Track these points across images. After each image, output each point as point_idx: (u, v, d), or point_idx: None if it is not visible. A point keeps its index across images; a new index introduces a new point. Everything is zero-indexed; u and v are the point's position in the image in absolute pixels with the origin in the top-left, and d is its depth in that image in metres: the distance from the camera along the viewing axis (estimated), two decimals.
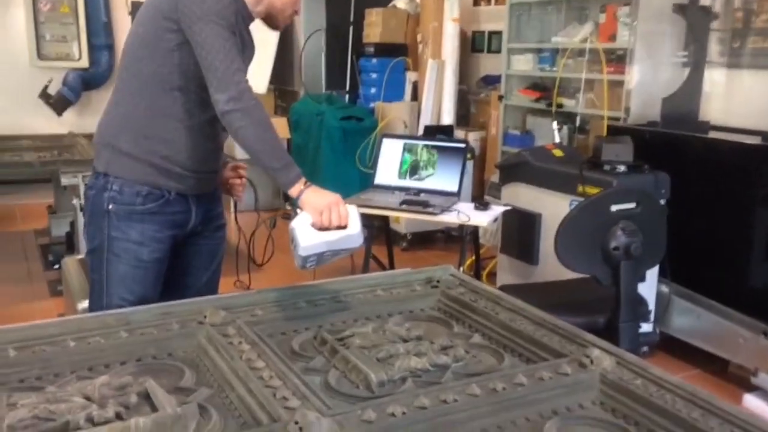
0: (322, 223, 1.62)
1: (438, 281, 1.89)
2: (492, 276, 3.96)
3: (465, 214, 2.74)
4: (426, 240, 5.05)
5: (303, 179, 1.67)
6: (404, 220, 4.68)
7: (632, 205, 1.99)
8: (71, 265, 2.86)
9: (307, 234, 1.61)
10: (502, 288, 2.26)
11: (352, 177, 4.89)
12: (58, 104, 5.64)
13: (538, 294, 2.27)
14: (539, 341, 1.54)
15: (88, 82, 5.90)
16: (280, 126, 5.41)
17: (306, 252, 1.59)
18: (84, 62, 5.92)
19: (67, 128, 4.92)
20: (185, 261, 1.92)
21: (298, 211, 1.67)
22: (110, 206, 1.72)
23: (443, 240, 5.16)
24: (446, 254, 4.82)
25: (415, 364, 1.43)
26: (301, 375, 1.36)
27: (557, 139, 3.67)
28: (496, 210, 2.89)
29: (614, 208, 1.96)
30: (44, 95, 5.65)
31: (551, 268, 3.20)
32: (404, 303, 1.81)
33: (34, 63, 5.78)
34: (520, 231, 3.26)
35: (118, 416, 1.23)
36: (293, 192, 1.65)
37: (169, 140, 1.75)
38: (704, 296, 2.82)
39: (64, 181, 3.36)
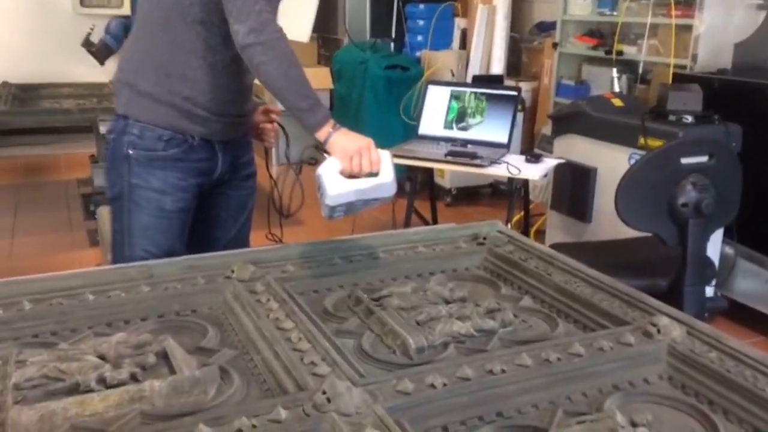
0: (351, 169, 1.48)
1: (485, 238, 1.74)
2: (540, 234, 3.77)
3: (515, 166, 2.55)
4: (471, 195, 4.87)
5: (331, 121, 1.53)
6: (449, 174, 4.51)
7: (704, 158, 1.78)
8: (106, 214, 2.79)
9: (334, 181, 1.47)
10: (553, 246, 2.10)
11: (395, 128, 4.71)
12: (101, 53, 5.55)
13: (592, 254, 2.09)
14: (598, 306, 1.38)
15: (129, 29, 5.80)
16: (323, 76, 5.25)
17: (333, 201, 1.46)
18: (126, 9, 5.81)
19: (108, 76, 4.84)
20: (212, 212, 1.81)
21: (326, 156, 1.53)
22: (130, 151, 1.61)
23: (489, 195, 4.97)
24: (492, 210, 4.63)
25: (458, 328, 1.30)
26: (333, 338, 1.24)
27: (617, 88, 3.41)
28: (549, 163, 2.70)
29: (684, 160, 1.76)
30: (87, 43, 5.57)
31: (605, 226, 3.01)
32: (448, 261, 1.66)
33: (77, 10, 5.71)
34: (572, 186, 3.05)
35: (133, 377, 1.14)
36: (320, 135, 1.51)
37: (192, 79, 1.62)
38: None
39: (103, 129, 3.30)
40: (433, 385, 1.07)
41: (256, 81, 1.75)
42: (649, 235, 1.92)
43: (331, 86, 5.30)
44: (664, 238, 1.79)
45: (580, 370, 1.15)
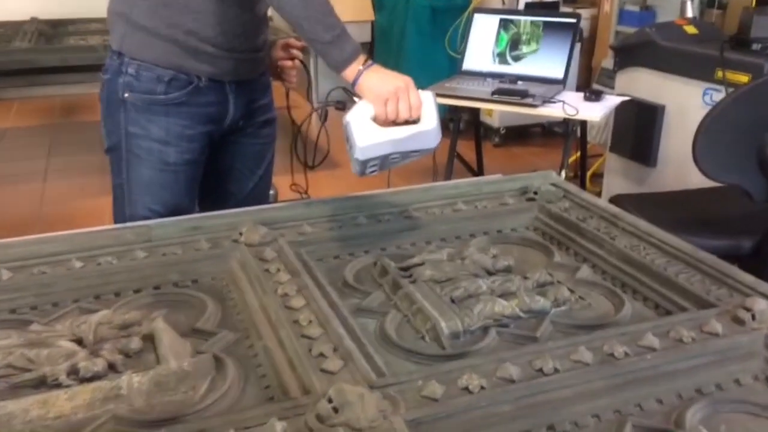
0: (386, 115, 1.23)
1: (535, 192, 1.49)
2: (597, 178, 3.47)
3: (572, 106, 2.26)
4: (522, 135, 4.55)
5: (362, 56, 1.29)
6: (497, 113, 4.19)
7: None
8: None
9: (366, 131, 1.23)
10: (614, 198, 1.84)
11: (441, 63, 4.38)
12: None
13: (661, 207, 1.82)
14: (673, 281, 1.13)
15: None
16: (363, 6, 4.92)
17: (365, 155, 1.22)
18: None
19: None
20: (226, 164, 1.60)
21: (356, 100, 1.29)
22: (126, 94, 1.40)
23: (542, 135, 4.64)
24: (545, 151, 4.32)
25: (502, 309, 1.08)
26: (351, 319, 1.04)
27: (689, 13, 3.02)
28: (611, 101, 2.39)
29: None
30: None
31: (672, 172, 2.70)
32: (491, 220, 1.43)
33: None
34: (636, 126, 2.74)
35: (112, 368, 0.97)
36: (348, 74, 1.27)
37: (195, 9, 1.38)
38: None
39: None
40: (467, 389, 0.86)
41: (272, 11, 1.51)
42: (728, 185, 1.64)
43: (372, 18, 4.97)
44: (751, 192, 1.51)
45: (654, 369, 0.92)
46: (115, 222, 1.48)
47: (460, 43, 4.57)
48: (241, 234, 1.29)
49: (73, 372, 0.94)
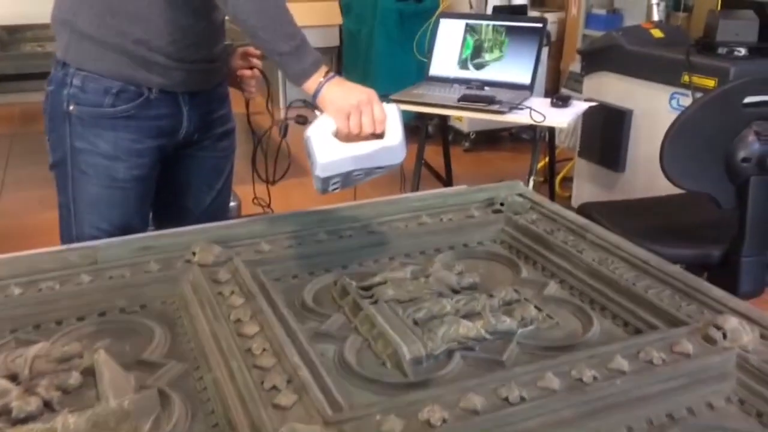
0: (349, 130, 1.18)
1: (502, 204, 1.45)
2: (566, 182, 3.46)
3: (539, 112, 2.23)
4: (492, 139, 4.54)
5: (323, 68, 1.23)
6: (467, 117, 4.16)
7: None
8: None
9: (327, 146, 1.17)
10: (584, 207, 1.81)
11: (409, 68, 4.34)
12: None
13: (630, 215, 1.80)
14: (643, 297, 1.10)
15: None
16: (331, 10, 4.87)
17: (326, 172, 1.17)
18: None
19: None
20: (181, 179, 1.53)
21: (317, 113, 1.23)
22: (71, 107, 1.33)
23: (511, 140, 4.63)
24: (516, 156, 4.31)
25: (466, 331, 1.03)
26: (308, 345, 0.98)
27: (656, 17, 3.02)
28: (578, 107, 2.36)
29: (747, 104, 1.44)
30: None
31: (642, 176, 2.69)
32: (457, 234, 1.39)
33: None
34: (604, 131, 2.72)
35: (48, 406, 0.89)
36: (308, 87, 1.21)
37: (144, 17, 1.32)
38: None
39: None
40: (429, 423, 0.81)
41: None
42: (695, 193, 1.62)
43: (340, 22, 4.92)
44: (719, 200, 1.49)
45: (624, 394, 0.88)
46: (62, 243, 1.41)
47: (428, 48, 4.55)
48: (194, 254, 1.22)
49: (4, 413, 0.87)
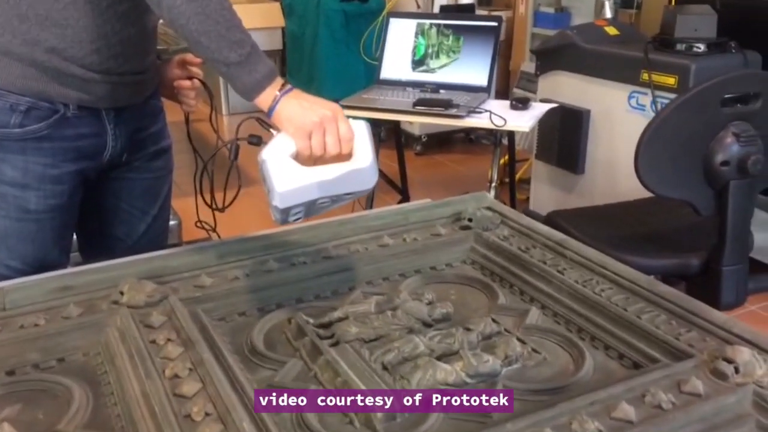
0: (311, 151, 1.02)
1: (470, 219, 1.32)
2: (523, 184, 3.37)
3: (499, 116, 2.11)
4: (444, 142, 4.43)
5: (278, 79, 1.06)
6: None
7: (750, 101, 1.37)
8: None
9: (286, 172, 1.00)
10: (551, 216, 1.70)
11: (356, 71, 4.20)
12: None
13: (600, 223, 1.70)
14: (636, 324, 0.98)
15: None
16: (272, 12, 4.68)
17: (286, 202, 1.00)
18: None
19: None
20: (109, 205, 1.35)
21: (273, 132, 1.07)
22: None
23: (463, 141, 4.54)
24: (468, 159, 4.22)
25: (444, 376, 0.89)
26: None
27: (608, 14, 2.96)
28: (538, 109, 2.26)
29: (725, 104, 1.35)
30: None
31: (601, 178, 2.61)
32: (423, 256, 1.25)
33: None
34: (561, 132, 2.64)
35: None
36: (262, 101, 1.04)
37: (59, 22, 1.13)
38: None
39: None
40: None
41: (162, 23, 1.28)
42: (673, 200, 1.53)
43: (282, 24, 4.74)
44: (698, 207, 1.40)
45: None
46: None
47: (375, 49, 4.42)
48: (121, 293, 1.05)
49: None
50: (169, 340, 0.95)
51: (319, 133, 0.99)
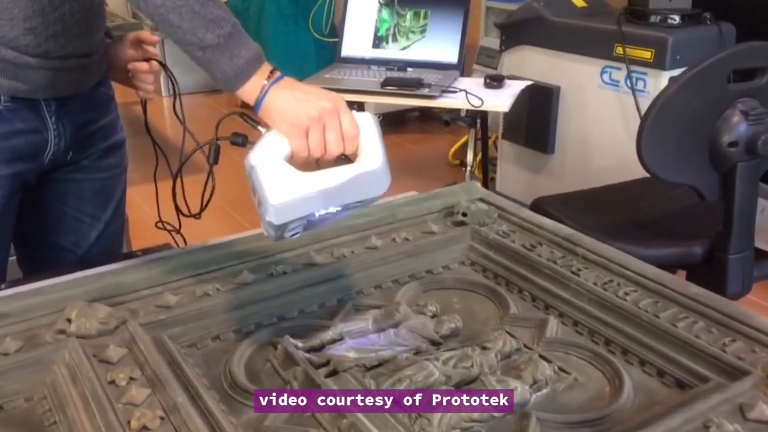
0: (309, 152, 0.84)
1: (465, 214, 1.18)
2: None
3: (475, 95, 1.97)
4: (399, 121, 4.28)
5: (266, 66, 0.86)
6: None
7: (757, 76, 1.27)
8: None
9: (281, 180, 0.82)
10: (538, 203, 1.58)
11: (306, 49, 4.01)
12: None
13: (591, 210, 1.59)
14: (674, 334, 0.87)
15: None
16: None
17: (282, 217, 0.82)
18: None
19: None
20: (53, 210, 1.15)
21: (262, 130, 0.88)
22: None
23: (418, 120, 4.40)
24: (425, 138, 4.09)
25: (469, 413, 0.75)
26: None
27: None
28: (515, 86, 2.12)
29: (732, 80, 1.25)
30: None
31: (572, 158, 2.52)
32: (417, 258, 1.11)
33: None
34: (530, 110, 2.53)
35: None
36: (247, 93, 0.84)
37: None
38: None
39: None
40: None
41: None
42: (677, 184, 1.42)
43: None
44: (703, 191, 1.30)
45: None
46: None
47: (325, 25, 4.22)
48: (69, 320, 0.88)
49: None
50: (131, 379, 0.78)
51: (318, 130, 0.82)
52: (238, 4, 4.39)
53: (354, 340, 0.88)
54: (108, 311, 0.89)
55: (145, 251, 1.15)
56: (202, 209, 0.99)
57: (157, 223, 1.20)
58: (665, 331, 0.87)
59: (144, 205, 1.78)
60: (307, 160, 0.84)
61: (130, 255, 1.14)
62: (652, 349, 0.87)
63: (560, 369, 0.85)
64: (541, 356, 0.86)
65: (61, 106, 1.09)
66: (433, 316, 0.95)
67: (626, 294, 0.95)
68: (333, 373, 0.82)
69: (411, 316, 0.93)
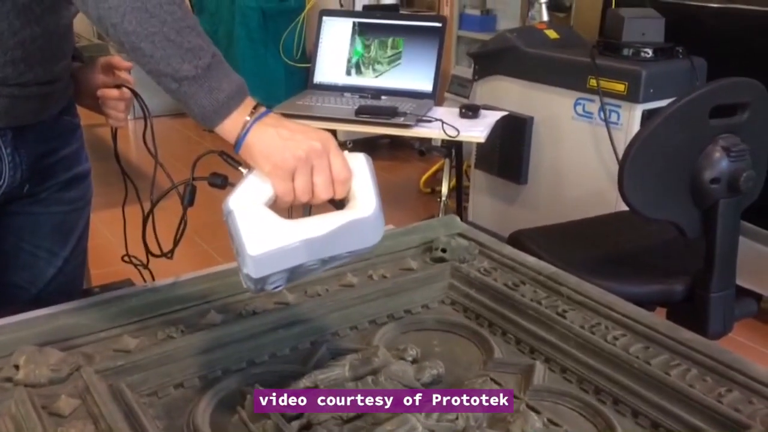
0: (294, 197, 0.77)
1: (444, 250, 1.14)
2: (453, 193, 3.23)
3: (451, 125, 1.94)
4: (369, 148, 4.22)
5: (248, 100, 0.79)
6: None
7: (738, 112, 1.26)
8: None
9: (262, 228, 0.75)
10: (515, 236, 1.54)
11: (276, 74, 3.98)
12: None
13: (569, 244, 1.55)
14: (666, 382, 0.83)
15: None
16: None
17: (262, 270, 0.74)
18: None
19: None
20: (9, 245, 1.07)
21: (243, 171, 0.81)
22: None
23: (389, 147, 4.38)
24: (395, 165, 4.06)
25: None
26: None
27: (545, 17, 2.86)
28: (491, 117, 2.10)
29: (713, 115, 1.23)
30: None
31: (545, 188, 2.50)
32: (394, 296, 1.05)
33: None
34: (503, 140, 2.50)
35: None
36: (227, 130, 0.77)
37: None
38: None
39: None
40: None
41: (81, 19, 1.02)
42: (659, 221, 1.40)
43: None
44: (685, 228, 1.28)
45: None
46: None
47: (296, 51, 4.18)
48: (16, 367, 0.80)
49: None
50: None
51: (305, 172, 0.75)
52: (207, 28, 4.34)
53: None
54: (60, 356, 0.82)
55: (104, 287, 1.07)
56: (174, 248, 0.93)
57: (123, 257, 1.13)
58: (658, 379, 0.83)
59: (107, 233, 1.70)
60: (291, 205, 0.77)
61: (88, 292, 1.06)
62: (644, 398, 0.82)
63: (550, 421, 0.79)
64: (529, 406, 0.81)
65: (18, 135, 1.01)
66: (414, 361, 0.89)
67: (615, 339, 0.91)
68: (307, 427, 0.76)
69: (390, 362, 0.87)
